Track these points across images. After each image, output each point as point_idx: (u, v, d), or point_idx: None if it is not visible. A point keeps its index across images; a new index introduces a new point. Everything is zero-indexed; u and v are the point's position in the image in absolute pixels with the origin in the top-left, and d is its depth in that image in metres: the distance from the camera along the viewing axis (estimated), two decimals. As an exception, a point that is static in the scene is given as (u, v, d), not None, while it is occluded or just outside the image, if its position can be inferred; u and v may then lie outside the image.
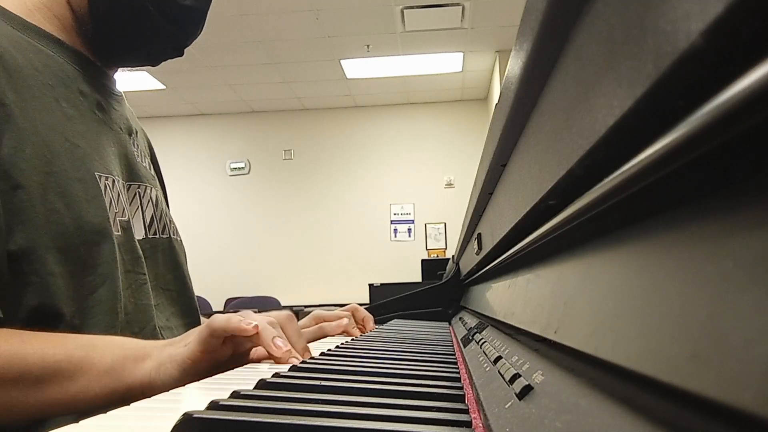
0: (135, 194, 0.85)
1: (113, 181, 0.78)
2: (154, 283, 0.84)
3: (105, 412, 0.36)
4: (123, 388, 0.59)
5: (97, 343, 0.62)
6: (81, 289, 0.69)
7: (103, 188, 0.75)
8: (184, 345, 0.61)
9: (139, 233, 0.83)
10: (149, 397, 0.57)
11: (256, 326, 0.61)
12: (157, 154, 1.03)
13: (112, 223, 0.75)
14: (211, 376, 0.58)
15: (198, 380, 0.58)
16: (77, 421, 0.34)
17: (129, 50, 0.84)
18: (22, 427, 0.62)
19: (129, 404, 0.40)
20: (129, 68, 0.89)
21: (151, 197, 0.88)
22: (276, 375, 0.49)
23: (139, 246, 0.81)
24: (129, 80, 5.33)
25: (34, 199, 0.66)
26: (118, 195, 0.79)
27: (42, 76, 0.73)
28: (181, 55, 0.88)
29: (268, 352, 0.63)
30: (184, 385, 0.56)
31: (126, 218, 0.79)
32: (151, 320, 0.79)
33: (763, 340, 0.12)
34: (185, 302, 0.91)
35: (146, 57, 0.86)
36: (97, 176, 0.75)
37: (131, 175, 0.85)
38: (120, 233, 0.77)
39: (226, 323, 0.61)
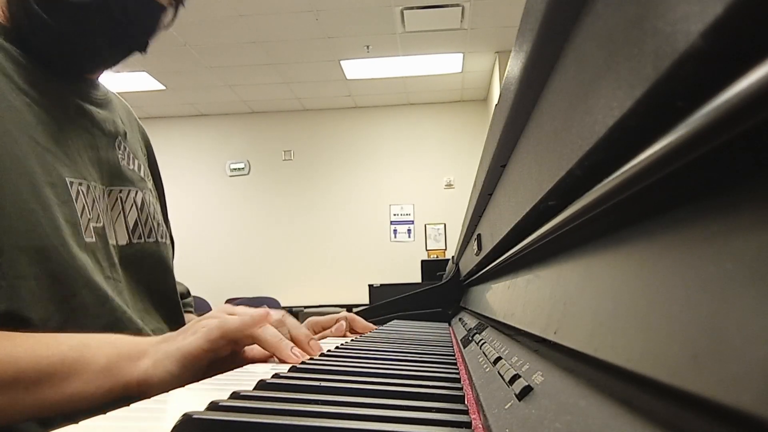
0: (116, 199, 0.83)
1: (87, 186, 0.76)
2: (138, 287, 0.82)
3: (104, 412, 0.36)
4: (119, 387, 0.59)
5: (91, 342, 0.61)
6: (62, 292, 0.68)
7: (75, 194, 0.73)
8: (183, 340, 0.61)
9: (122, 238, 0.82)
10: (146, 394, 0.57)
11: (274, 338, 0.63)
12: (157, 155, 1.03)
13: (84, 229, 0.73)
14: (208, 373, 0.58)
15: (195, 377, 0.57)
16: (77, 422, 0.34)
17: (87, 47, 0.79)
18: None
19: (128, 403, 0.40)
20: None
21: (135, 201, 0.86)
22: (276, 376, 0.49)
23: (119, 251, 0.80)
24: (129, 80, 5.33)
25: (4, 199, 0.64)
26: (93, 201, 0.77)
27: (12, 80, 0.71)
28: (144, 50, 0.83)
29: (284, 359, 0.63)
30: (181, 382, 0.55)
31: (101, 224, 0.78)
32: (128, 327, 0.76)
33: (763, 340, 0.12)
34: (171, 307, 0.89)
35: (104, 57, 0.81)
36: (68, 182, 0.73)
37: (112, 179, 0.83)
38: (94, 240, 0.75)
39: (241, 328, 0.61)
